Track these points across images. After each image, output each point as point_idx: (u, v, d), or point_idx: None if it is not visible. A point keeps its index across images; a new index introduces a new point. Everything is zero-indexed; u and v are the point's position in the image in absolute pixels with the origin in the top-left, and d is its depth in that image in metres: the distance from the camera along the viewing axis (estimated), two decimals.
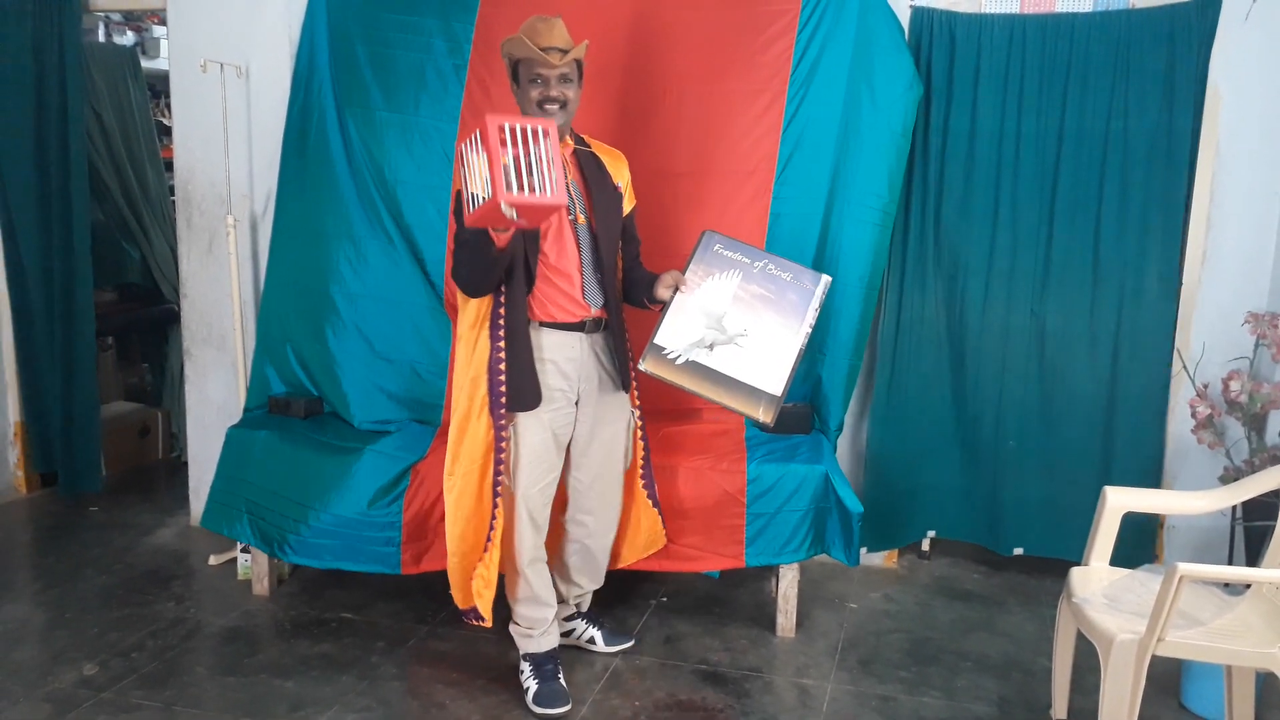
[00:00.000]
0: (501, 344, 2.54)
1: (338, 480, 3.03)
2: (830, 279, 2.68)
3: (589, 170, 2.65)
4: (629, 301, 2.76)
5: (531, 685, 2.69)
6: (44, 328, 3.98)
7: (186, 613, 3.19)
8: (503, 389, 2.54)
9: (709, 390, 2.54)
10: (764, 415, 2.55)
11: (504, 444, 2.57)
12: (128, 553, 3.65)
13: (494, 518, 2.61)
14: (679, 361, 2.53)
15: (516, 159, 2.12)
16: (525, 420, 2.58)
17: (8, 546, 3.73)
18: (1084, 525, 2.61)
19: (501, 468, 2.59)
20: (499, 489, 2.60)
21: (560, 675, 2.72)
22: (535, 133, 2.14)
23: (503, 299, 2.54)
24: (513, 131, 2.12)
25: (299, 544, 3.06)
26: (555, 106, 2.52)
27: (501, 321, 2.54)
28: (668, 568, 3.00)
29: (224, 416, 3.64)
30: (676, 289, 2.60)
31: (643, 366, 2.54)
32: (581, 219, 2.60)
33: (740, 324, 2.56)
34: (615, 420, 2.75)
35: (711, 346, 2.53)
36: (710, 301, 2.59)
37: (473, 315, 2.58)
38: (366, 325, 3.35)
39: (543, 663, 2.72)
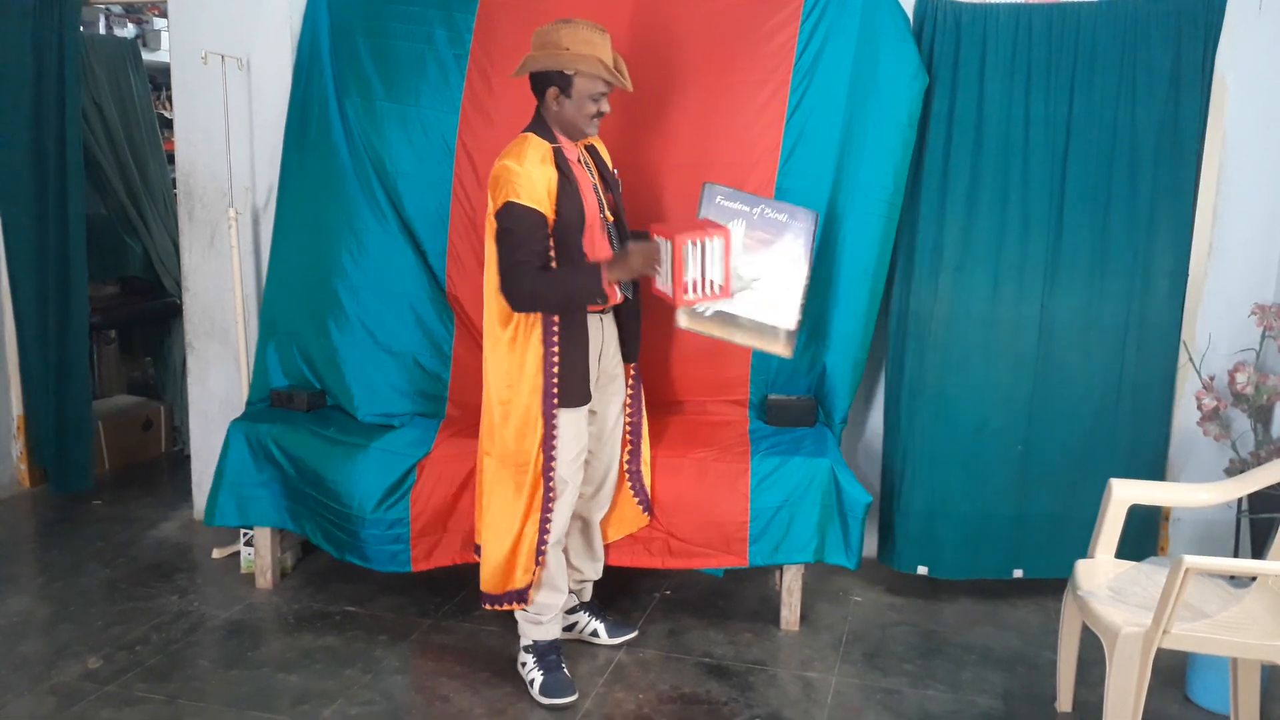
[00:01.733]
0: (556, 346, 2.56)
1: (343, 480, 3.04)
2: (818, 213, 2.82)
3: (600, 166, 2.74)
4: None
5: (537, 676, 2.69)
6: (38, 322, 3.96)
7: (190, 606, 3.19)
8: (555, 388, 2.58)
9: (737, 335, 2.67)
10: (784, 350, 2.67)
11: (554, 437, 2.60)
12: (131, 546, 3.65)
13: (548, 507, 2.64)
14: (708, 314, 2.64)
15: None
16: (570, 410, 2.63)
17: (11, 540, 3.74)
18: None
19: (553, 458, 2.62)
20: (551, 479, 2.63)
21: (564, 665, 2.73)
22: (714, 239, 2.49)
23: None
24: (696, 243, 2.46)
25: (314, 530, 3.13)
26: (599, 119, 2.61)
27: (556, 326, 2.56)
28: (670, 564, 3.00)
29: (226, 410, 3.64)
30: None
31: (681, 324, 2.62)
32: (610, 217, 2.70)
33: (753, 269, 2.68)
34: (618, 393, 2.84)
35: (733, 294, 2.64)
36: None
37: (510, 315, 2.57)
38: (369, 317, 3.34)
39: (546, 653, 2.72)
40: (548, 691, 2.66)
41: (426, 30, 3.34)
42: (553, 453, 2.61)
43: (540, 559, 2.66)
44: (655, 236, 2.53)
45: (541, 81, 2.56)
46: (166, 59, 3.85)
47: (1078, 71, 3.13)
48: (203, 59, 3.43)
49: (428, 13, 3.34)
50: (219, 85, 3.51)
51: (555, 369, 2.57)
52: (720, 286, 2.51)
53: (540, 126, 2.59)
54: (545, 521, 2.64)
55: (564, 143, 2.60)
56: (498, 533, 2.67)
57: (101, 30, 5.21)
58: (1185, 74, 3.08)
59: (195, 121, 3.68)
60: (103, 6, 5.05)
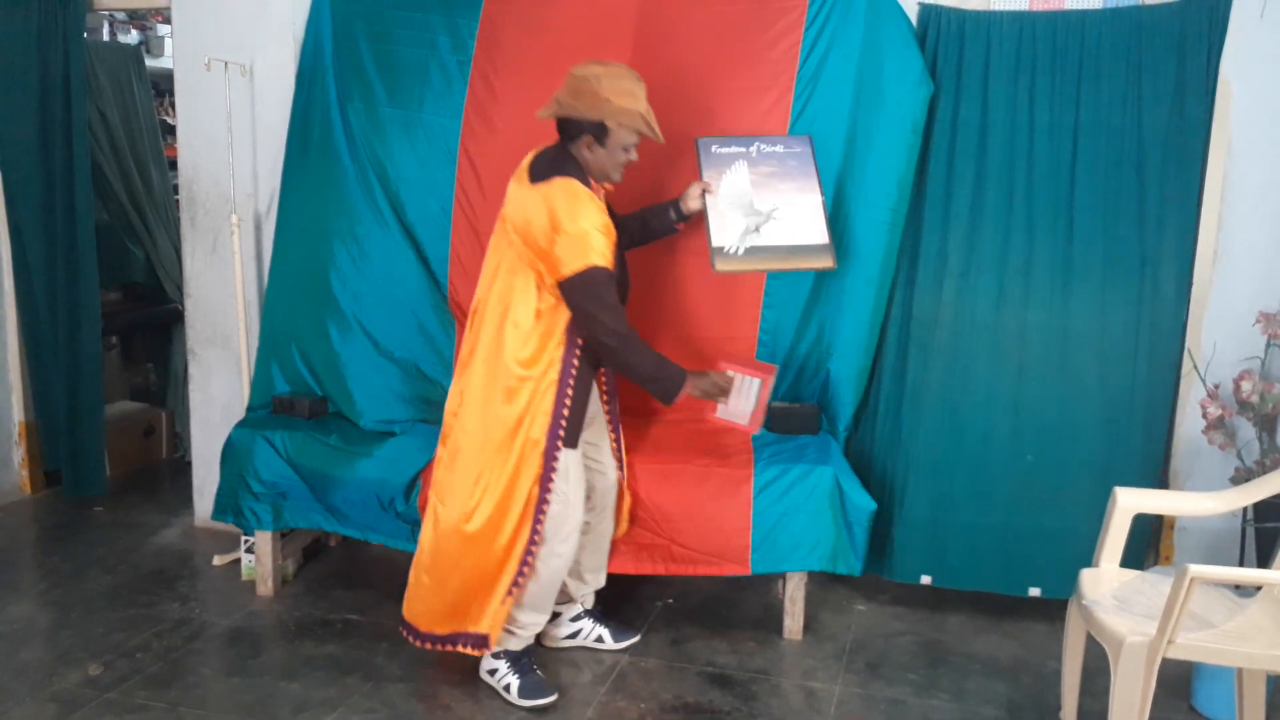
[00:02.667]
0: (570, 391, 2.59)
1: (348, 490, 3.06)
2: (810, 136, 3.01)
3: (610, 210, 2.74)
4: (654, 237, 2.95)
5: (512, 681, 2.69)
6: (49, 327, 3.98)
7: (191, 613, 3.18)
8: (562, 431, 2.60)
9: (774, 263, 2.83)
10: (828, 261, 2.83)
11: (552, 475, 2.61)
12: (132, 553, 3.64)
13: (532, 544, 2.63)
14: (740, 253, 2.76)
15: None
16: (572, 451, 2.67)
17: (13, 547, 3.73)
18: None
19: (549, 495, 2.62)
20: (541, 518, 2.62)
21: (536, 667, 2.74)
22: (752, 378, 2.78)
23: (578, 349, 2.61)
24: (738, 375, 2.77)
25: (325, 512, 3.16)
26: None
27: (574, 371, 2.60)
28: (673, 571, 2.99)
29: (228, 416, 3.64)
30: (703, 195, 2.83)
31: (718, 268, 2.74)
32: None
33: (768, 201, 2.82)
34: (603, 421, 2.91)
35: (758, 229, 2.78)
36: (735, 194, 2.86)
37: (537, 359, 2.58)
38: (371, 323, 3.34)
39: (519, 658, 2.73)
40: (528, 694, 2.67)
41: (430, 36, 3.35)
42: (548, 492, 2.61)
43: (508, 599, 2.64)
44: (727, 370, 2.76)
45: (575, 127, 2.55)
46: (170, 65, 3.85)
47: (1082, 79, 3.12)
48: (206, 65, 3.43)
49: (431, 19, 3.35)
50: (222, 91, 3.51)
51: (565, 412, 2.59)
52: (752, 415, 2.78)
53: (574, 168, 2.57)
54: (524, 564, 2.62)
55: (593, 186, 2.61)
56: (458, 565, 2.64)
57: (105, 36, 5.23)
58: (1189, 81, 3.08)
59: (198, 127, 3.68)
60: (107, 13, 5.06)
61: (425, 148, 3.35)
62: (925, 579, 3.24)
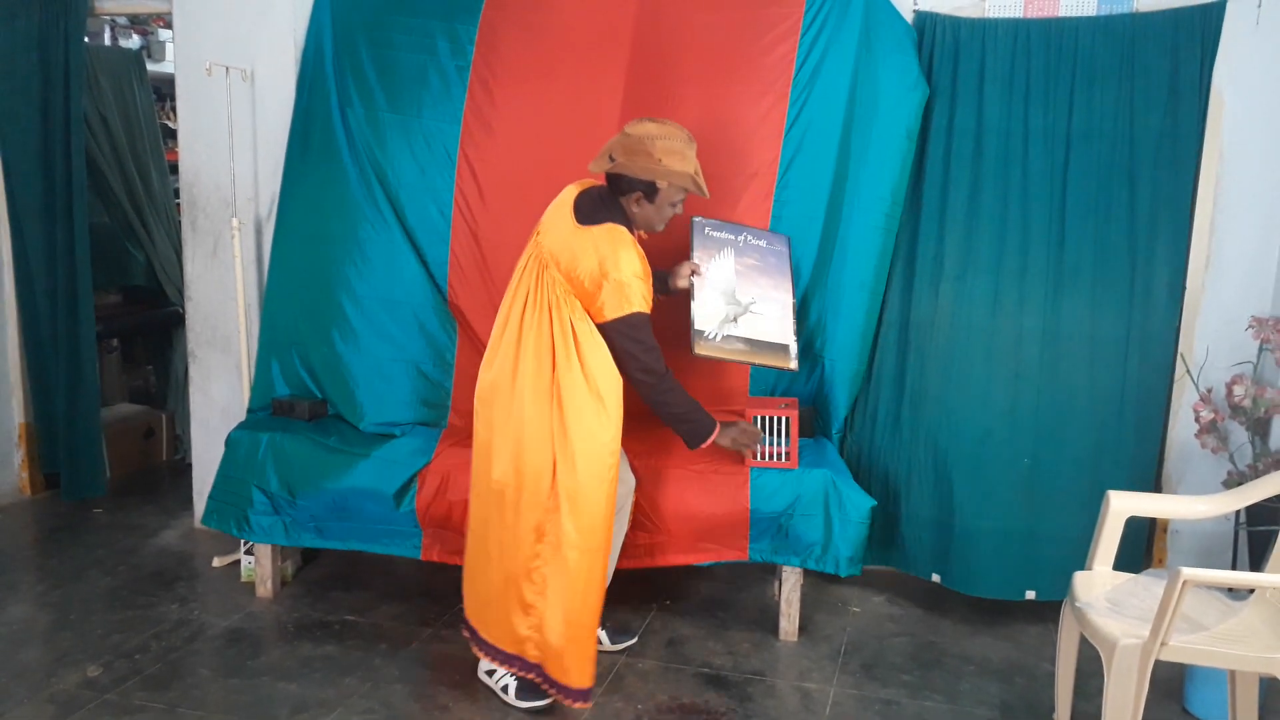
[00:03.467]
0: None
1: (346, 489, 3.07)
2: (789, 237, 3.10)
3: None
4: None
5: (510, 682, 2.71)
6: (48, 329, 3.99)
7: (190, 614, 3.20)
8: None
9: (746, 356, 2.83)
10: (792, 363, 2.86)
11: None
12: (132, 554, 3.66)
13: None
14: (718, 339, 2.79)
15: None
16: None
17: (12, 548, 3.74)
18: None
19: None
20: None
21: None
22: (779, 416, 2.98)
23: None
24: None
25: (315, 526, 3.16)
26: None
27: None
28: (673, 561, 3.00)
29: (228, 419, 3.65)
30: (691, 276, 2.87)
31: (696, 351, 2.76)
32: None
33: (748, 293, 2.87)
34: None
35: (735, 319, 2.81)
36: (720, 280, 2.89)
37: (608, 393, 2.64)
38: (372, 326, 3.35)
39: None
40: (526, 695, 2.69)
41: (429, 41, 3.36)
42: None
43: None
44: (755, 416, 2.92)
45: (626, 184, 2.65)
46: (171, 70, 3.87)
47: (1076, 85, 3.15)
48: (207, 70, 3.45)
49: (430, 24, 3.37)
50: (223, 96, 3.53)
51: None
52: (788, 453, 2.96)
53: (620, 216, 2.67)
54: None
55: (635, 233, 2.71)
56: (573, 617, 2.61)
57: (106, 41, 5.24)
58: (1183, 87, 3.10)
59: (199, 132, 3.70)
60: (108, 18, 5.08)
61: (424, 152, 3.36)
62: (935, 577, 3.29)
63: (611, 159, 2.63)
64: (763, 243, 3.00)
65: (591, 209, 2.65)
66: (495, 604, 2.69)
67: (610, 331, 2.61)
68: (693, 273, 2.87)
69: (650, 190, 2.65)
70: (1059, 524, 3.17)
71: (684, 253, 2.94)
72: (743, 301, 2.86)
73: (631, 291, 2.58)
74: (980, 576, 3.23)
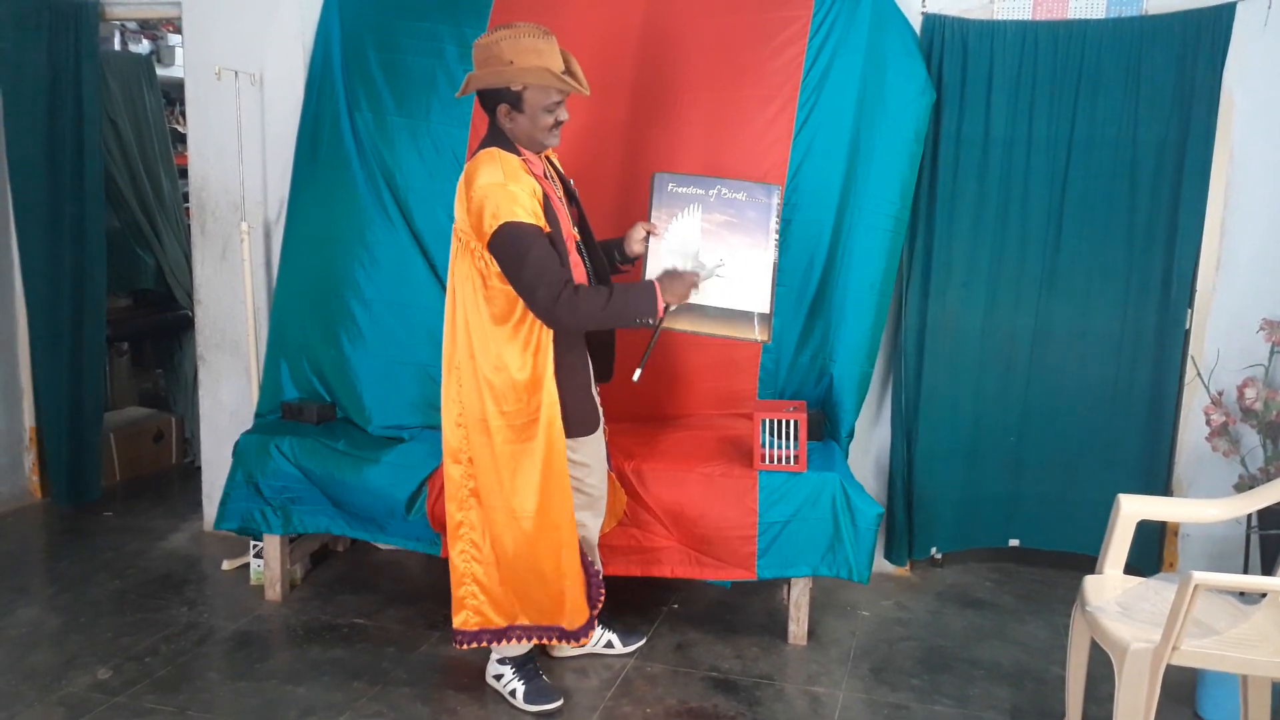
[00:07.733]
0: (555, 380, 2.49)
1: (356, 493, 3.08)
2: (781, 187, 2.79)
3: (562, 179, 2.65)
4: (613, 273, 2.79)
5: (518, 686, 2.70)
6: (54, 337, 3.98)
7: (199, 617, 3.20)
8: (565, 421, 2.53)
9: (705, 326, 2.58)
10: (760, 334, 2.60)
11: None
12: (141, 557, 3.67)
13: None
14: (671, 309, 2.54)
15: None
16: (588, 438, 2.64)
17: (23, 551, 3.76)
18: (1089, 521, 2.62)
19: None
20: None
21: (541, 673, 2.75)
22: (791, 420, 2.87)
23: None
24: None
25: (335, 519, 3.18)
26: (559, 128, 2.49)
27: (554, 358, 2.49)
28: (679, 574, 3.00)
29: (237, 422, 3.66)
30: (647, 238, 2.63)
31: (637, 322, 2.50)
32: (578, 237, 2.62)
33: (715, 255, 2.60)
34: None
35: (697, 285, 2.56)
36: (681, 241, 2.62)
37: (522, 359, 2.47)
38: (380, 329, 3.36)
39: (523, 663, 2.74)
40: (534, 699, 2.68)
41: (437, 45, 3.37)
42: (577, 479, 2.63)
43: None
44: (762, 418, 2.85)
45: (490, 98, 2.42)
46: (181, 74, 3.89)
47: (1083, 87, 3.14)
48: (216, 74, 3.46)
49: (439, 28, 3.37)
50: (232, 100, 3.54)
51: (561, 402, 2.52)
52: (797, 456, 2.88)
53: (500, 139, 2.45)
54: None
55: (527, 155, 2.48)
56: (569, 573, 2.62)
57: (116, 46, 5.27)
58: (1192, 91, 3.10)
59: (208, 136, 3.71)
60: (118, 23, 5.10)
61: (433, 156, 3.37)
62: (934, 551, 3.48)
63: (468, 79, 2.41)
64: (740, 195, 2.63)
65: (475, 151, 2.47)
66: (535, 586, 2.63)
67: (495, 256, 2.34)
68: (648, 234, 2.62)
69: (514, 98, 2.38)
70: (1070, 526, 3.26)
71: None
72: (707, 264, 2.56)
73: (501, 199, 2.30)
74: (968, 533, 3.50)
